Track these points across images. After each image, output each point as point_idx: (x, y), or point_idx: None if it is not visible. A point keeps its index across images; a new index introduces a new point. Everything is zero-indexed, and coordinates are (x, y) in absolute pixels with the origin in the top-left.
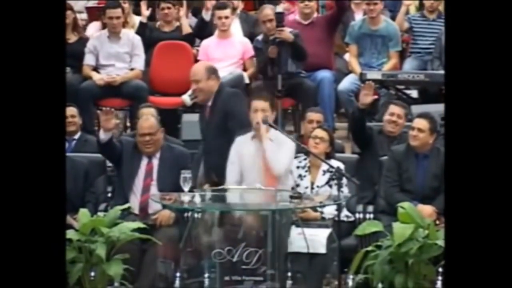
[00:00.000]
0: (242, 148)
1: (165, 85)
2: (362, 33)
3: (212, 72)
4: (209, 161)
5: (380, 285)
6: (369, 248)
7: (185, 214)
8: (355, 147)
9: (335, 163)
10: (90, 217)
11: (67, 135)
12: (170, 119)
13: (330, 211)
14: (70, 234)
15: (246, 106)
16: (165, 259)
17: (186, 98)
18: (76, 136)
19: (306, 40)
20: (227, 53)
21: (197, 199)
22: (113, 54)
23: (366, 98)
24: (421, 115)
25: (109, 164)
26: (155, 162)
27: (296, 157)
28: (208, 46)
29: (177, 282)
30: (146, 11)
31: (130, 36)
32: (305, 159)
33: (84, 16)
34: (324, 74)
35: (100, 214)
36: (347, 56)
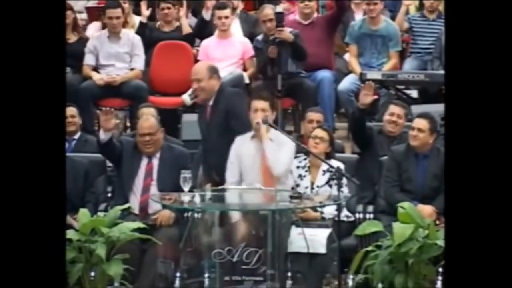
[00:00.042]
0: (242, 148)
1: (165, 85)
2: (362, 33)
3: (214, 71)
4: (210, 161)
5: (380, 285)
6: (369, 248)
7: (185, 214)
8: (355, 147)
9: (335, 163)
10: (90, 217)
11: (67, 135)
12: (170, 119)
13: (330, 211)
14: (70, 234)
15: (248, 105)
16: (165, 259)
17: (186, 97)
18: (76, 136)
19: (306, 40)
20: (227, 53)
21: (197, 199)
22: (113, 54)
23: (366, 98)
24: (421, 115)
25: (109, 164)
26: (155, 162)
27: (296, 157)
28: (208, 46)
29: (177, 282)
30: (146, 11)
31: (130, 36)
32: (305, 159)
33: (84, 16)
34: (324, 74)
35: (100, 214)
36: (347, 56)
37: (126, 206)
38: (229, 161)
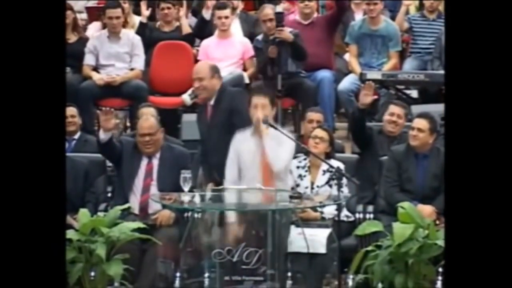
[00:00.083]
0: (241, 145)
1: (165, 85)
2: (362, 33)
3: (216, 71)
4: (211, 161)
5: (380, 285)
6: (369, 248)
7: (185, 214)
8: (355, 147)
9: (335, 163)
10: (90, 217)
11: (67, 135)
12: (170, 119)
13: (330, 211)
14: (70, 234)
15: (248, 102)
16: (165, 259)
17: (186, 97)
18: (76, 136)
19: (306, 40)
20: (227, 53)
21: (197, 199)
22: (113, 54)
23: (366, 98)
24: (421, 115)
25: (109, 164)
26: (155, 162)
27: (296, 157)
28: (208, 46)
29: (177, 282)
30: (146, 11)
31: (130, 36)
32: (305, 159)
33: (84, 16)
34: (324, 74)
35: (100, 214)
36: (347, 56)
37: (126, 206)
38: (229, 158)
